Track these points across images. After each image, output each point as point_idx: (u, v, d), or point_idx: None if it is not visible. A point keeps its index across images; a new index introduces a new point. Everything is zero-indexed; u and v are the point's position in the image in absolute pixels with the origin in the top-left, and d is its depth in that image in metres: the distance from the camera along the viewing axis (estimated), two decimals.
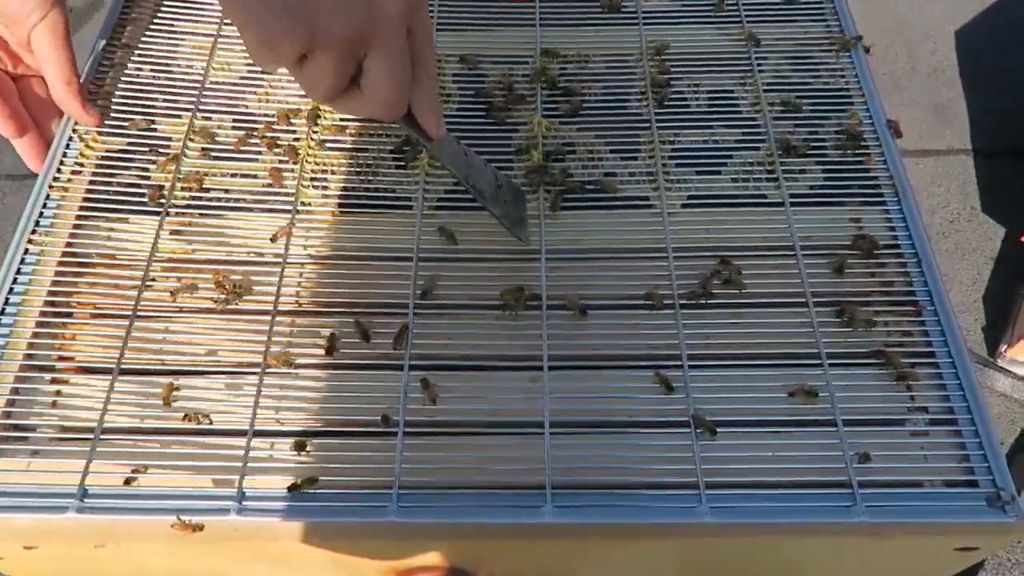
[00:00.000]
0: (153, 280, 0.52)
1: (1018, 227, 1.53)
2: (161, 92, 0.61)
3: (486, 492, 0.45)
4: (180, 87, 0.62)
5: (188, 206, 0.56)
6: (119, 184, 0.56)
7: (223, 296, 0.51)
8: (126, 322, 0.50)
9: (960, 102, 1.77)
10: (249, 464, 0.46)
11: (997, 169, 1.66)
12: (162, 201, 0.55)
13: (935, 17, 1.90)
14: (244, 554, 0.49)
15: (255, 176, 0.57)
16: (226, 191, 0.57)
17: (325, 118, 0.60)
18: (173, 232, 0.54)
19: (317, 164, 0.58)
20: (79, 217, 0.55)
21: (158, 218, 0.54)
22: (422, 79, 0.45)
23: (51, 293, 0.52)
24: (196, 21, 0.65)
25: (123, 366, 0.49)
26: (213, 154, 0.58)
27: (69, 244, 0.54)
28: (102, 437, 0.46)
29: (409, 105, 0.46)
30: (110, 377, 0.48)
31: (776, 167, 0.58)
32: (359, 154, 0.59)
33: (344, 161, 0.59)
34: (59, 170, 0.57)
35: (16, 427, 0.48)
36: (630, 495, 0.45)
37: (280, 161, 0.58)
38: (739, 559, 0.51)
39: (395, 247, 0.54)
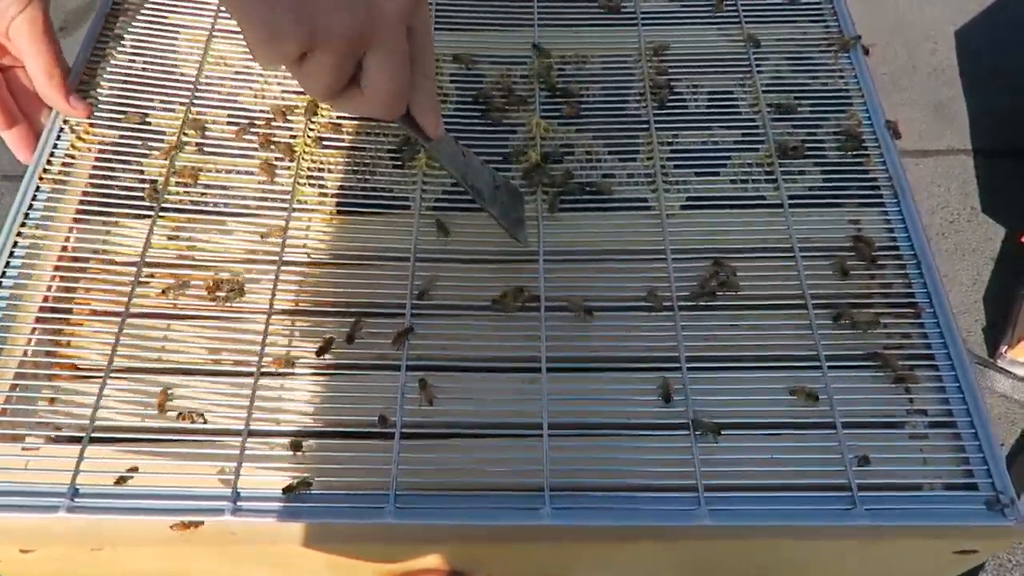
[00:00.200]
0: (150, 277, 0.52)
1: (1018, 227, 1.52)
2: (154, 86, 0.61)
3: (484, 494, 0.45)
4: (174, 81, 0.61)
5: (183, 206, 0.55)
6: (112, 181, 0.56)
7: (219, 295, 0.51)
8: (118, 319, 0.50)
9: (960, 102, 1.77)
10: (244, 464, 0.45)
11: (997, 169, 1.66)
12: (156, 198, 0.55)
13: (935, 17, 1.90)
14: (240, 557, 0.49)
15: (250, 173, 0.57)
16: (222, 188, 0.56)
17: (322, 115, 0.60)
18: (168, 231, 0.54)
19: (314, 162, 0.58)
20: (74, 214, 0.54)
21: (152, 216, 0.54)
22: (421, 79, 0.44)
23: (45, 292, 0.51)
24: (190, 14, 0.65)
25: (116, 365, 0.48)
26: (207, 149, 0.58)
27: (64, 243, 0.53)
28: (95, 436, 0.46)
29: (408, 105, 0.45)
30: (102, 376, 0.48)
31: (775, 168, 0.58)
32: (357, 153, 0.59)
33: (341, 160, 0.58)
34: (49, 162, 0.56)
35: (8, 426, 0.47)
36: (629, 497, 0.45)
37: (276, 159, 0.57)
38: (738, 560, 0.51)
39: (392, 247, 0.54)
